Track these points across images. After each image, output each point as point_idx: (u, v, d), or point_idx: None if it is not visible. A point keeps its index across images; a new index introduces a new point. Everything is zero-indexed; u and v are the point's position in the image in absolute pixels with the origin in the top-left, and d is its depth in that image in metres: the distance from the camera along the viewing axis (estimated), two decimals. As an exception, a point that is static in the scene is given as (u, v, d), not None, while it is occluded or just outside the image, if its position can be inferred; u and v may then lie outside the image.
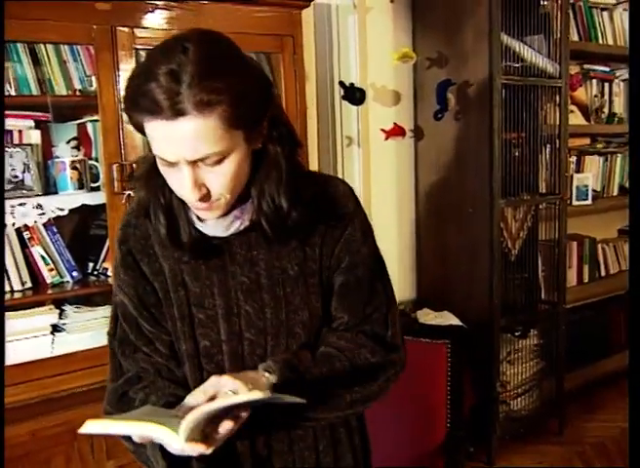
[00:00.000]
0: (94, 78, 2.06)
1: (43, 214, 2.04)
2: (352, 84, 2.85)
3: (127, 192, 2.02)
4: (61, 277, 2.14)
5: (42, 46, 2.05)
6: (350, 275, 1.16)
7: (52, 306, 2.11)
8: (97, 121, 2.12)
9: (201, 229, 1.09)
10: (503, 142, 2.81)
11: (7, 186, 2.00)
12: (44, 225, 2.09)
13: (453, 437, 2.05)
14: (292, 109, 2.32)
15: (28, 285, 2.08)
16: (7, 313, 1.96)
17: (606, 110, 3.61)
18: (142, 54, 2.03)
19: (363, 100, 2.86)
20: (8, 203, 1.98)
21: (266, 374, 1.04)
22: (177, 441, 0.89)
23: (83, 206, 2.12)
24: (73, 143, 2.18)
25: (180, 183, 0.99)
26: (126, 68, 2.00)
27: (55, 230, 2.12)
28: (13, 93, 2.02)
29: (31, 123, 2.09)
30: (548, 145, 3.07)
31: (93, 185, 2.16)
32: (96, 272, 2.24)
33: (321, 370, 1.10)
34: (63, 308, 2.14)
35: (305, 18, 2.40)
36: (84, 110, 2.19)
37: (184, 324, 1.12)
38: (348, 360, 1.12)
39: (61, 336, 2.10)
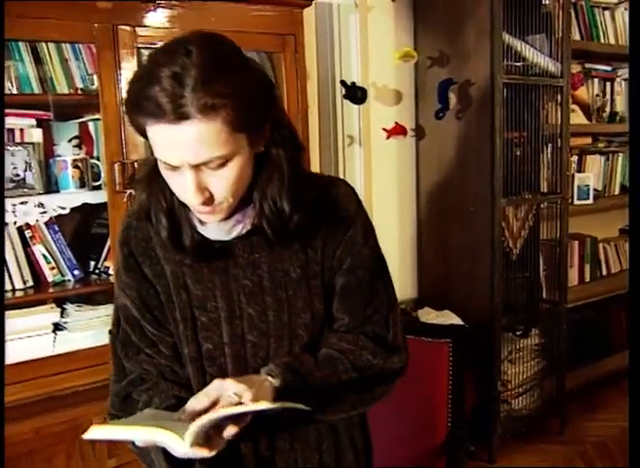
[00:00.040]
0: (95, 77, 2.06)
1: (44, 212, 2.05)
2: (354, 83, 2.85)
3: (128, 191, 2.01)
4: (63, 275, 2.15)
5: (44, 44, 2.05)
6: (351, 276, 1.15)
7: (53, 305, 2.11)
8: (98, 120, 2.12)
9: (203, 233, 1.09)
10: (505, 142, 2.81)
11: (9, 185, 2.00)
12: (45, 224, 2.10)
13: (454, 436, 2.04)
14: (293, 108, 2.32)
15: (30, 283, 2.09)
16: (8, 312, 1.97)
17: (607, 109, 3.61)
18: (144, 52, 2.03)
19: (364, 99, 2.86)
20: (9, 201, 1.98)
21: (269, 378, 1.04)
22: (181, 446, 0.89)
23: (84, 204, 2.12)
24: (75, 142, 2.17)
25: (183, 187, 0.98)
26: (127, 67, 2.00)
27: (56, 229, 2.13)
28: (14, 91, 2.02)
29: (33, 121, 2.09)
30: (550, 144, 3.07)
31: (94, 184, 2.16)
32: (97, 271, 2.24)
33: (323, 373, 1.10)
34: (65, 307, 2.15)
35: (307, 17, 2.39)
36: (86, 109, 2.19)
37: (187, 327, 1.12)
38: (350, 362, 1.12)
39: (63, 335, 2.10)
